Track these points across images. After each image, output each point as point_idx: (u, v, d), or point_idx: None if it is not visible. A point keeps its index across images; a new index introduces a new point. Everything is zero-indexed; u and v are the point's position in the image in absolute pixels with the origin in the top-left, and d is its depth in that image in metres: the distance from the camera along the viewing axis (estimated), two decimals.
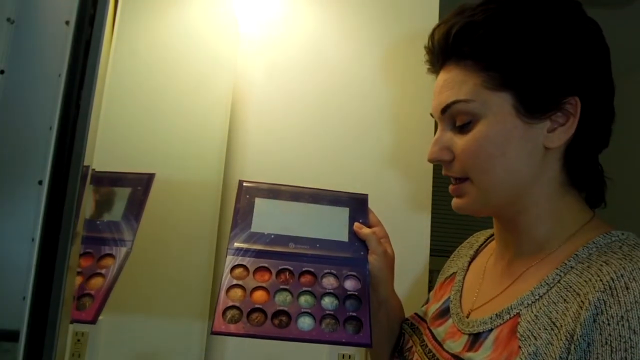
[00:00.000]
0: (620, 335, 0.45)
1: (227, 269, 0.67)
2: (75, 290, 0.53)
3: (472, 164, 0.58)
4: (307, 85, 1.10)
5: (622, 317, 0.46)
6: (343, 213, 0.76)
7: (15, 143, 0.39)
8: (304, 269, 0.69)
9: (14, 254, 0.38)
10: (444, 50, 0.59)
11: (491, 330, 0.56)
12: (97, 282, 0.54)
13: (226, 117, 1.07)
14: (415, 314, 0.75)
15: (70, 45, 0.40)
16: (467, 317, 0.62)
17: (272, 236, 0.72)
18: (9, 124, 0.39)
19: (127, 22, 0.49)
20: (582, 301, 0.49)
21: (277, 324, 0.63)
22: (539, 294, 0.54)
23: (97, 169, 0.44)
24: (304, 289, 0.67)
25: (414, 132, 1.09)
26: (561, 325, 0.49)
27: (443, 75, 0.60)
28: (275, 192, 0.77)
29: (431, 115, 0.64)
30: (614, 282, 0.47)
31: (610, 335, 0.46)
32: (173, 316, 0.94)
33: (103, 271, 0.56)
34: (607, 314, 0.46)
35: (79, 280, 0.54)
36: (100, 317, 0.70)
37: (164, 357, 0.92)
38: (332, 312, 0.65)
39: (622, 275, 0.47)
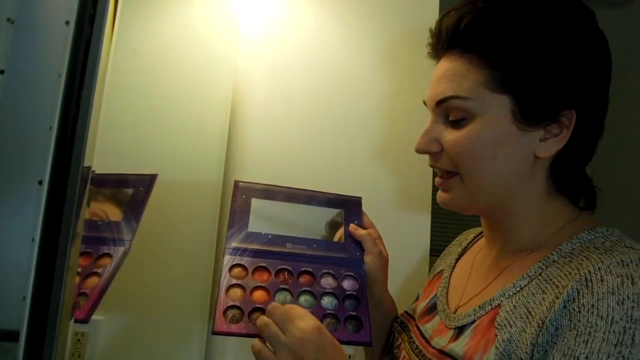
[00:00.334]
0: (588, 321, 0.46)
1: (225, 269, 0.67)
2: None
3: (460, 160, 0.57)
4: (307, 85, 1.10)
5: (592, 305, 0.46)
6: (338, 215, 0.77)
7: (15, 143, 0.39)
8: (302, 269, 0.70)
9: (14, 254, 0.38)
10: (451, 39, 0.58)
11: (474, 322, 0.57)
12: (92, 281, 0.54)
13: (226, 117, 1.07)
14: (405, 311, 0.76)
15: (70, 45, 0.40)
16: (454, 313, 0.63)
17: (269, 236, 0.72)
18: (9, 124, 0.39)
19: (127, 22, 0.49)
20: (559, 292, 0.49)
21: None
22: (520, 286, 0.55)
23: (95, 168, 0.44)
24: (304, 288, 0.67)
25: (416, 132, 1.09)
26: (535, 314, 0.50)
27: (444, 64, 0.59)
28: (271, 193, 0.77)
29: (424, 102, 0.62)
30: (590, 275, 0.48)
31: (579, 321, 0.46)
32: (173, 316, 0.94)
33: (99, 270, 0.56)
34: (578, 302, 0.47)
35: (76, 280, 0.54)
36: (100, 317, 0.70)
37: (164, 357, 0.92)
38: (332, 312, 0.66)
39: (599, 269, 0.48)
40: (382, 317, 0.76)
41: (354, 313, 0.66)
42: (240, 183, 0.77)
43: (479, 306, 0.58)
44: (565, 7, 0.56)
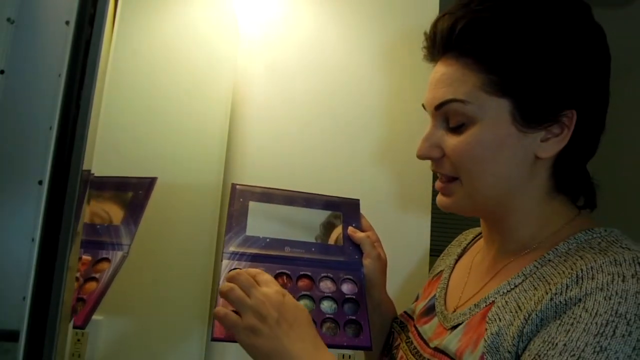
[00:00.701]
0: (573, 313, 0.46)
1: (223, 274, 0.67)
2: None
3: (461, 164, 0.57)
4: (307, 85, 1.10)
5: (580, 299, 0.46)
6: (332, 215, 0.77)
7: (15, 143, 0.39)
8: (301, 273, 0.69)
9: (14, 254, 0.38)
10: (446, 43, 0.57)
11: (469, 319, 0.57)
12: (90, 286, 0.54)
13: (226, 117, 1.07)
14: (404, 312, 0.76)
15: (70, 45, 0.40)
16: (452, 313, 0.63)
17: (268, 240, 0.71)
18: (9, 124, 0.39)
19: (127, 22, 0.49)
20: (550, 288, 0.50)
21: None
22: (514, 284, 0.55)
23: (95, 168, 0.44)
24: (303, 292, 0.67)
25: (416, 132, 1.09)
26: (524, 308, 0.51)
27: (441, 68, 0.58)
28: (268, 196, 0.76)
29: (423, 106, 0.62)
30: (582, 272, 0.48)
31: (564, 312, 0.47)
32: (173, 317, 0.93)
33: (97, 275, 0.56)
34: (565, 295, 0.47)
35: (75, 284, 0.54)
36: (100, 317, 0.70)
37: (163, 357, 0.92)
38: (331, 316, 0.65)
39: (591, 267, 0.48)
40: (381, 319, 0.76)
41: (353, 317, 0.66)
42: (237, 186, 0.77)
43: (474, 304, 0.58)
44: (560, 7, 0.55)
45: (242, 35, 1.12)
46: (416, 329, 0.68)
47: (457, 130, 0.57)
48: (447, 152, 0.58)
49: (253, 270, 0.62)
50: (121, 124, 0.67)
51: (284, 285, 0.67)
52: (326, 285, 0.69)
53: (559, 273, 0.51)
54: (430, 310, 0.69)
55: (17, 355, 0.36)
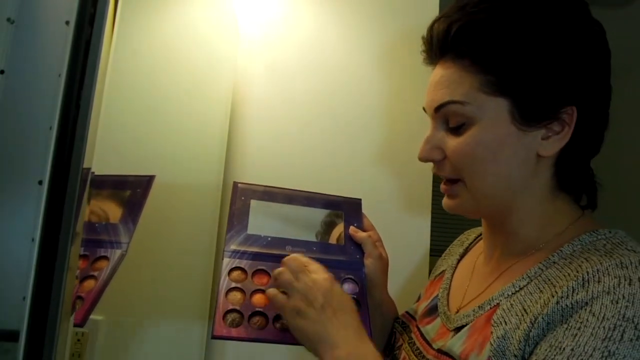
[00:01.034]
0: (579, 317, 0.46)
1: (224, 272, 0.67)
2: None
3: (462, 166, 0.57)
4: (307, 85, 1.10)
5: (586, 302, 0.46)
6: (332, 214, 0.76)
7: (15, 143, 0.39)
8: None
9: (14, 254, 0.38)
10: (442, 46, 0.58)
11: (473, 321, 0.57)
12: (88, 284, 0.54)
13: (226, 117, 1.07)
14: (406, 312, 0.76)
15: (70, 45, 0.40)
16: (455, 314, 0.63)
17: (269, 239, 0.71)
18: (9, 124, 0.39)
19: (127, 22, 0.49)
20: (555, 291, 0.49)
21: (278, 328, 0.62)
22: (519, 286, 0.55)
23: (95, 168, 0.44)
24: None
25: (416, 132, 1.09)
26: (530, 311, 0.50)
27: (439, 71, 0.59)
28: (270, 195, 0.76)
29: (423, 109, 0.62)
30: (588, 275, 0.48)
31: (570, 316, 0.47)
32: (173, 316, 0.94)
33: (96, 274, 0.56)
34: (572, 298, 0.47)
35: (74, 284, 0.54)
36: (100, 317, 0.70)
37: (163, 357, 0.92)
38: None
39: (597, 270, 0.48)
40: (382, 319, 0.75)
41: None
42: (239, 185, 0.77)
43: (479, 306, 0.58)
44: (555, 6, 0.55)
45: (242, 35, 1.12)
46: (419, 329, 0.68)
47: (457, 131, 0.57)
48: (448, 153, 0.58)
49: (305, 258, 0.63)
50: (121, 124, 0.67)
51: None
52: None
53: (564, 275, 0.51)
54: (432, 311, 0.68)
55: (17, 355, 0.36)
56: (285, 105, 1.10)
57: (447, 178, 0.60)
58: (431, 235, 1.07)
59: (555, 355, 0.45)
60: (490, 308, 0.56)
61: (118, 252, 0.59)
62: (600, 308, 0.45)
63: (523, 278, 0.55)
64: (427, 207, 1.07)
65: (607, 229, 0.55)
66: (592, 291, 0.46)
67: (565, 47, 0.54)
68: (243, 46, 1.11)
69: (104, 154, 0.49)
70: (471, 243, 0.75)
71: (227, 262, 0.68)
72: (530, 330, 0.49)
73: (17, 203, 0.38)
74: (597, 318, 0.45)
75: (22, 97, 0.39)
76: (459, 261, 0.73)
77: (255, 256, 0.69)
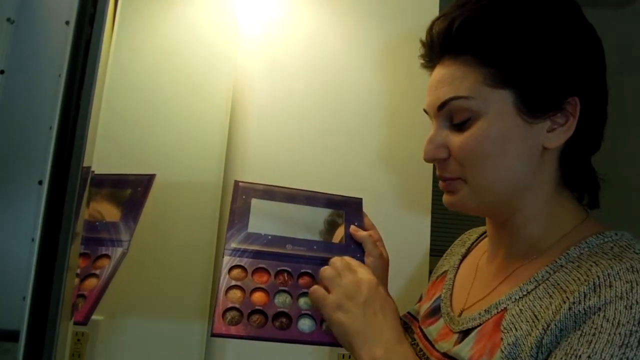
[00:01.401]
0: (593, 323, 0.45)
1: (224, 270, 0.67)
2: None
3: (469, 162, 0.57)
4: (307, 84, 1.10)
5: (599, 308, 0.46)
6: (334, 214, 0.77)
7: (15, 143, 0.39)
8: (302, 271, 0.69)
9: (14, 254, 0.38)
10: (444, 44, 0.58)
11: (480, 325, 0.57)
12: (90, 282, 0.54)
13: (226, 117, 1.07)
14: (408, 312, 0.76)
15: (70, 45, 0.40)
16: (459, 316, 0.62)
17: (269, 237, 0.71)
18: (9, 124, 0.39)
19: (127, 22, 0.49)
20: (566, 297, 0.49)
21: (278, 326, 0.63)
22: (527, 290, 0.54)
23: (95, 168, 0.44)
24: (303, 290, 0.67)
25: (416, 132, 1.09)
26: (541, 318, 0.50)
27: (440, 70, 0.59)
28: (271, 194, 0.76)
29: (425, 111, 0.62)
30: (599, 280, 0.47)
31: (584, 322, 0.46)
32: (173, 316, 0.94)
33: (97, 272, 0.56)
34: (584, 304, 0.47)
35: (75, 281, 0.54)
36: (100, 317, 0.70)
37: (163, 357, 0.92)
38: None
39: (608, 275, 0.47)
40: None
41: None
42: (240, 183, 0.77)
43: (485, 310, 0.57)
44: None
45: (242, 35, 1.12)
46: (421, 330, 0.68)
47: (462, 127, 0.56)
48: (454, 150, 0.58)
49: (353, 261, 0.65)
50: (122, 123, 0.67)
51: (284, 283, 0.67)
52: None
53: (573, 280, 0.50)
54: (435, 312, 0.68)
55: (17, 355, 0.36)
56: (285, 105, 1.10)
57: (451, 178, 0.60)
58: (431, 235, 1.07)
59: None
60: (498, 312, 0.55)
61: (119, 250, 0.59)
62: (614, 313, 0.45)
63: (530, 282, 0.55)
64: (427, 207, 1.07)
65: (613, 231, 0.55)
66: (605, 296, 0.46)
67: (565, 37, 0.54)
68: (243, 46, 1.11)
69: (105, 153, 0.49)
70: (473, 243, 0.75)
71: (227, 261, 0.68)
72: (543, 337, 0.48)
73: (17, 203, 0.38)
74: (612, 324, 0.44)
75: (22, 97, 0.39)
76: (461, 261, 0.73)
77: (255, 254, 0.69)
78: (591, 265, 0.50)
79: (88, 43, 0.41)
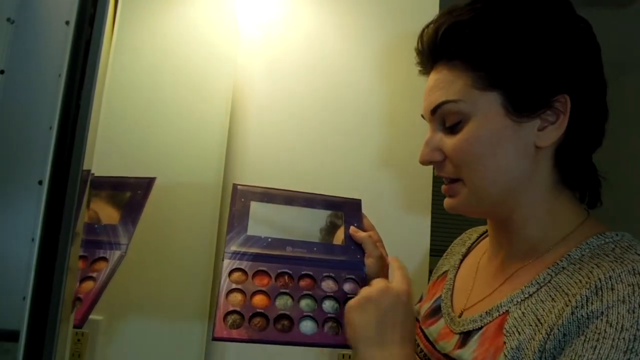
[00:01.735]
0: (596, 328, 0.45)
1: (224, 273, 0.66)
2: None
3: (462, 164, 0.57)
4: (307, 85, 1.10)
5: (602, 312, 0.46)
6: (333, 215, 0.77)
7: (15, 143, 0.39)
8: (303, 273, 0.69)
9: (14, 254, 0.38)
10: (433, 51, 0.60)
11: (481, 328, 0.57)
12: (87, 285, 0.54)
13: (226, 117, 1.07)
14: None
15: (70, 45, 0.40)
16: (460, 316, 0.62)
17: (269, 240, 0.71)
18: (9, 124, 0.39)
19: (127, 22, 0.49)
20: (569, 300, 0.49)
21: (279, 329, 0.62)
22: (528, 293, 0.54)
23: (95, 168, 0.44)
24: (305, 292, 0.67)
25: (416, 132, 1.09)
26: (545, 322, 0.50)
27: (433, 76, 0.60)
28: (270, 196, 0.76)
29: (422, 116, 0.64)
30: (601, 283, 0.47)
31: (587, 327, 0.46)
32: (173, 317, 0.94)
33: (94, 275, 0.56)
34: (587, 308, 0.47)
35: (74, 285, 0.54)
36: (100, 317, 0.70)
37: (163, 357, 0.92)
38: (333, 315, 0.65)
39: (610, 277, 0.47)
40: None
41: None
42: (239, 186, 0.77)
43: (486, 312, 0.57)
44: (538, 1, 0.56)
45: (242, 35, 1.12)
46: (422, 331, 0.68)
47: (454, 130, 0.58)
48: (447, 152, 0.59)
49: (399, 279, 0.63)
50: (122, 123, 0.67)
51: (285, 285, 0.67)
52: (328, 285, 0.69)
53: (575, 282, 0.50)
54: (436, 312, 0.68)
55: (17, 355, 0.36)
56: (285, 105, 1.10)
57: (449, 178, 0.61)
58: (431, 235, 1.07)
59: None
60: (499, 315, 0.55)
61: (117, 253, 0.59)
62: (617, 318, 0.45)
63: (532, 284, 0.55)
64: (427, 207, 1.07)
65: (614, 231, 0.54)
66: (607, 300, 0.46)
67: (548, 37, 0.54)
68: (243, 46, 1.11)
69: (104, 154, 0.49)
70: (473, 242, 0.75)
71: (227, 264, 0.68)
72: (546, 342, 0.48)
73: (17, 203, 0.38)
74: (615, 329, 0.44)
75: (22, 97, 0.39)
76: (461, 261, 0.73)
77: (255, 257, 0.69)
78: (593, 267, 0.50)
79: (88, 43, 0.41)
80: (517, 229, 0.59)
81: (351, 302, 0.59)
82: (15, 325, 0.36)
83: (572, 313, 0.47)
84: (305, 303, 0.66)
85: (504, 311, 0.55)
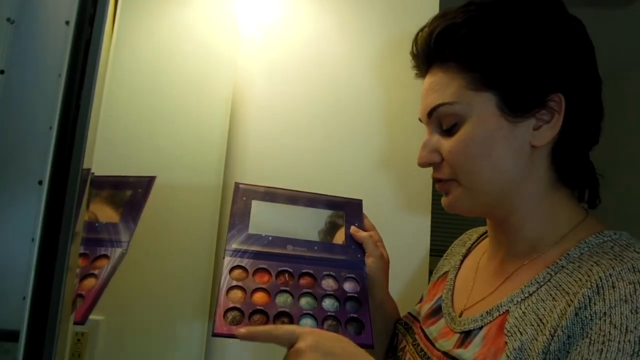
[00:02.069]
0: (600, 329, 0.45)
1: (225, 270, 0.67)
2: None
3: (459, 165, 0.58)
4: (307, 85, 1.10)
5: (605, 313, 0.46)
6: (334, 215, 0.77)
7: (15, 143, 0.39)
8: (303, 271, 0.69)
9: (14, 254, 0.38)
10: (428, 54, 0.60)
11: (481, 327, 0.57)
12: (89, 282, 0.54)
13: (226, 117, 1.07)
14: (409, 313, 0.76)
15: (70, 45, 0.40)
16: (460, 316, 0.62)
17: (270, 238, 0.72)
18: (9, 124, 0.39)
19: (127, 22, 0.49)
20: (570, 299, 0.49)
21: None
22: (528, 292, 0.54)
23: (95, 168, 0.44)
24: (305, 290, 0.67)
25: (416, 133, 1.09)
26: (547, 322, 0.50)
27: (429, 79, 0.61)
28: (271, 195, 0.77)
29: (420, 120, 0.64)
30: (601, 281, 0.47)
31: (591, 329, 0.46)
32: (173, 317, 0.94)
33: (96, 272, 0.56)
34: (590, 309, 0.47)
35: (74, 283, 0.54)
36: (100, 317, 0.70)
37: (163, 357, 0.92)
38: (333, 314, 0.65)
39: (610, 275, 0.47)
40: (384, 319, 0.75)
41: (355, 315, 0.66)
42: (240, 185, 0.77)
43: (487, 312, 0.57)
44: (528, 2, 0.57)
45: (242, 35, 1.12)
46: (422, 330, 0.68)
47: (450, 131, 0.58)
48: (445, 154, 0.59)
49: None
50: (122, 124, 0.67)
51: (285, 283, 0.68)
52: (328, 284, 0.69)
53: (575, 281, 0.50)
54: (436, 312, 0.68)
55: (17, 355, 0.36)
56: (286, 106, 1.10)
57: (446, 180, 0.61)
58: (431, 235, 1.07)
59: None
60: (500, 315, 0.55)
61: (118, 250, 0.59)
62: (621, 319, 0.45)
63: (532, 284, 0.55)
64: (427, 207, 1.07)
65: (612, 230, 0.55)
66: (609, 299, 0.46)
67: (543, 36, 0.55)
68: (243, 46, 1.11)
69: (104, 154, 0.49)
70: (474, 243, 0.75)
71: (228, 261, 0.68)
72: (550, 344, 0.48)
73: (17, 203, 0.38)
74: (620, 330, 0.44)
75: (22, 97, 0.39)
76: (462, 262, 0.73)
77: (256, 255, 0.70)
78: (592, 266, 0.50)
79: (88, 43, 0.41)
80: (516, 229, 0.60)
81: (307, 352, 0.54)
82: (15, 325, 0.36)
83: (576, 314, 0.47)
84: (305, 301, 0.66)
85: (504, 311, 0.55)
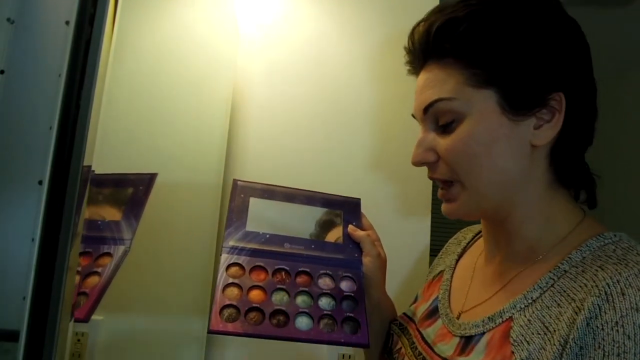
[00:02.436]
0: (613, 340, 0.45)
1: (222, 268, 0.67)
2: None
3: (457, 164, 0.56)
4: (307, 85, 1.10)
5: (616, 322, 0.45)
6: (328, 213, 0.77)
7: (15, 143, 0.39)
8: (299, 269, 0.69)
9: (14, 254, 0.38)
10: (425, 49, 0.58)
11: (483, 333, 0.56)
12: (92, 280, 0.54)
13: (226, 117, 1.08)
14: (404, 313, 0.75)
15: (70, 45, 0.40)
16: (458, 318, 0.62)
17: (267, 236, 0.72)
18: (9, 124, 0.39)
19: (127, 22, 0.49)
20: (577, 307, 0.48)
21: (275, 324, 0.63)
22: (532, 298, 0.53)
23: (95, 168, 0.44)
24: (301, 289, 0.67)
25: (416, 133, 1.09)
26: (554, 330, 0.49)
27: (424, 75, 0.59)
28: (269, 193, 0.77)
29: (413, 116, 0.63)
30: (609, 288, 0.47)
31: (603, 339, 0.45)
32: (173, 316, 0.94)
33: (99, 270, 0.56)
34: (601, 319, 0.46)
35: (77, 279, 0.54)
36: (100, 317, 0.70)
37: (163, 357, 0.92)
38: (329, 312, 0.65)
39: (618, 281, 0.47)
40: (381, 318, 0.75)
41: (351, 314, 0.66)
42: (239, 182, 0.77)
43: (489, 317, 0.56)
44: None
45: (242, 35, 1.12)
46: (419, 332, 0.67)
47: (447, 129, 0.56)
48: (441, 153, 0.57)
49: None
50: (122, 124, 0.67)
51: (281, 281, 0.67)
52: (325, 282, 0.69)
53: (580, 287, 0.49)
54: (433, 313, 0.68)
55: (17, 355, 0.36)
56: (285, 105, 1.10)
57: (443, 180, 0.59)
58: (431, 235, 1.07)
59: None
60: (503, 321, 0.54)
61: (121, 248, 0.59)
62: (634, 329, 0.44)
63: (534, 289, 0.54)
64: (427, 207, 1.07)
65: (612, 232, 0.54)
66: (620, 308, 0.45)
67: (544, 34, 0.54)
68: (243, 46, 1.11)
69: (105, 154, 0.49)
70: (469, 242, 0.75)
71: (225, 258, 0.68)
72: (562, 355, 0.47)
73: (17, 203, 0.38)
74: (634, 341, 0.44)
75: (22, 97, 0.39)
76: (457, 261, 0.73)
77: (253, 253, 0.70)
78: (597, 270, 0.49)
79: (88, 43, 0.41)
80: (515, 230, 0.59)
81: None
82: (15, 325, 0.36)
83: (588, 324, 0.46)
84: (301, 299, 0.66)
85: (508, 317, 0.54)
